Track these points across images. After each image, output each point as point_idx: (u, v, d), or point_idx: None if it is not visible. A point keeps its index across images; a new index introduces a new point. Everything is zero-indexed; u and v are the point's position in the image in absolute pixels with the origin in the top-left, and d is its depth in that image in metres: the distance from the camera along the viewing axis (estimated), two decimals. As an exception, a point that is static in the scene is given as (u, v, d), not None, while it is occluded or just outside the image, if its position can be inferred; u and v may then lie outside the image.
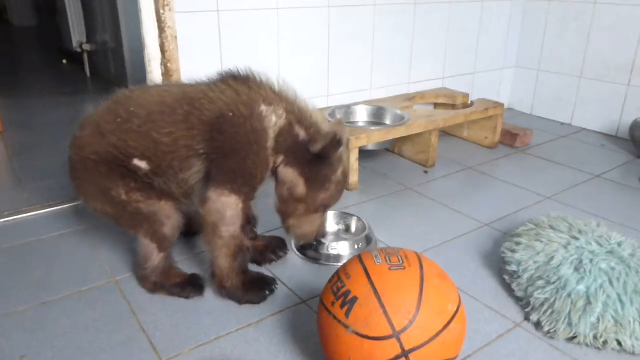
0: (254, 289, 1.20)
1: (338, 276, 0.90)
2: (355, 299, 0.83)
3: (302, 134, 1.13)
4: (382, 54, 2.21)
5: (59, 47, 4.15)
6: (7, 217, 1.56)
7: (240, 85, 1.12)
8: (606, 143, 2.33)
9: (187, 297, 1.21)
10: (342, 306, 0.84)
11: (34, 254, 1.38)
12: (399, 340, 0.80)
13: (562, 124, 2.60)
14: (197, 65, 1.75)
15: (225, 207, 1.11)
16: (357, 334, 0.81)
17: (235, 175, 1.11)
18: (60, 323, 1.12)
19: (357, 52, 2.13)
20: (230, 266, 1.17)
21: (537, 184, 1.87)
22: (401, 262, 0.87)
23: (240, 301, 1.19)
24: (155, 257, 1.19)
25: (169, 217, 1.17)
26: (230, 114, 1.08)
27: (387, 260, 0.87)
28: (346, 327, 0.82)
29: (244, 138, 1.08)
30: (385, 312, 0.81)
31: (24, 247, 1.41)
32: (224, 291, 1.19)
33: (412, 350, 0.80)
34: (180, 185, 1.15)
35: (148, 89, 1.21)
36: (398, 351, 0.80)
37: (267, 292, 1.20)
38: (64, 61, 4.04)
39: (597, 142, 2.35)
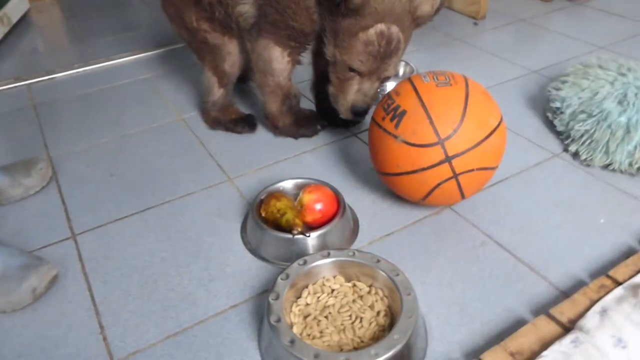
0: (307, 124, 1.29)
1: (389, 95, 0.97)
2: (404, 112, 0.91)
3: None
4: None
5: None
6: (77, 69, 1.68)
7: None
8: (674, -6, 2.17)
9: (240, 132, 1.32)
10: (392, 119, 0.92)
11: (107, 99, 1.51)
12: (443, 147, 0.88)
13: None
14: None
15: (271, 58, 1.14)
16: (405, 142, 0.90)
17: (278, 27, 1.09)
18: (138, 151, 1.27)
19: None
20: (279, 109, 1.25)
21: (591, 35, 1.82)
22: (448, 80, 0.93)
23: (295, 136, 1.29)
24: (216, 92, 1.29)
25: (230, 54, 1.23)
26: None
27: (435, 78, 0.93)
28: (395, 137, 0.91)
29: None
30: (431, 122, 0.89)
31: (96, 93, 1.55)
32: (278, 130, 1.29)
33: (454, 156, 0.89)
34: (237, 22, 1.17)
35: None
36: (442, 157, 0.89)
37: (319, 126, 1.29)
38: None
39: (665, -7, 2.19)
